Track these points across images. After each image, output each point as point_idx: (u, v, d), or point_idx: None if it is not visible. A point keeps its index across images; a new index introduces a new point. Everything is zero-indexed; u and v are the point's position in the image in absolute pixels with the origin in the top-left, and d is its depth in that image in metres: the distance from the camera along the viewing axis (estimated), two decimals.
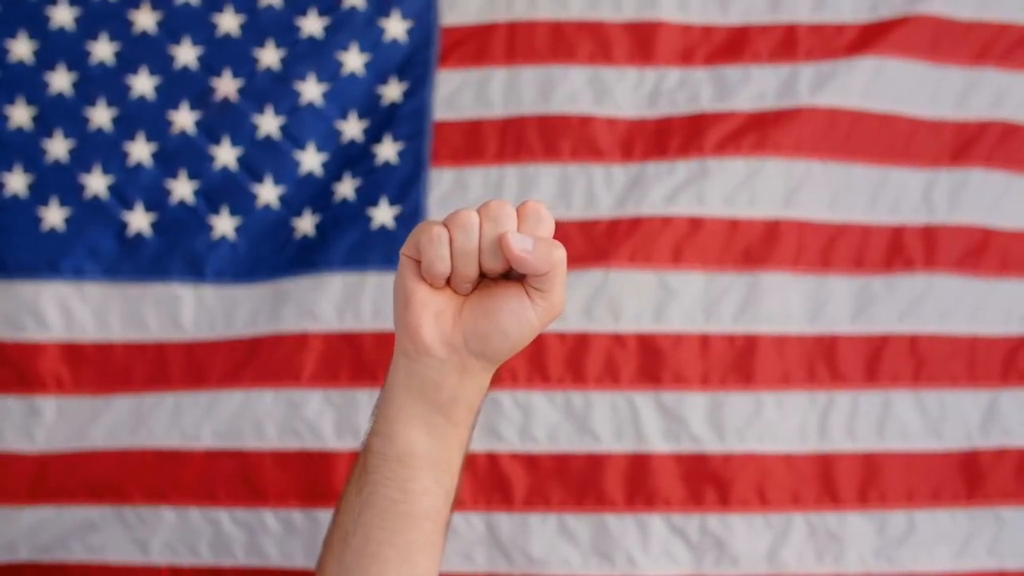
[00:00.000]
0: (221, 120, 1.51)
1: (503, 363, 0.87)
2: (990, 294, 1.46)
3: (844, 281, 1.45)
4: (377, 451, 0.88)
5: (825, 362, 1.44)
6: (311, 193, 1.50)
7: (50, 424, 1.46)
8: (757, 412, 1.42)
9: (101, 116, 1.51)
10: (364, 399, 1.44)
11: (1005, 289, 1.46)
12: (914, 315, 1.44)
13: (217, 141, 1.51)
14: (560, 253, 0.82)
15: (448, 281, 0.84)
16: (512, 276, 0.85)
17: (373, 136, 1.51)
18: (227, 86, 1.52)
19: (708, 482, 1.41)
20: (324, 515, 1.42)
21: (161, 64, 1.52)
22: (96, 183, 1.50)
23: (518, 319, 0.83)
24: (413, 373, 0.84)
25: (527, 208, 0.82)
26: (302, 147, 1.51)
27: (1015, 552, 1.41)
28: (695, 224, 1.46)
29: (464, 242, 0.81)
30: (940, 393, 1.43)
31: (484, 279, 0.85)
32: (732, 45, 1.51)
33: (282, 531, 1.43)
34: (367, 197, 1.49)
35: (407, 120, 1.51)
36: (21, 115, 1.51)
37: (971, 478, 1.42)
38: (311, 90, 1.52)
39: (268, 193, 1.50)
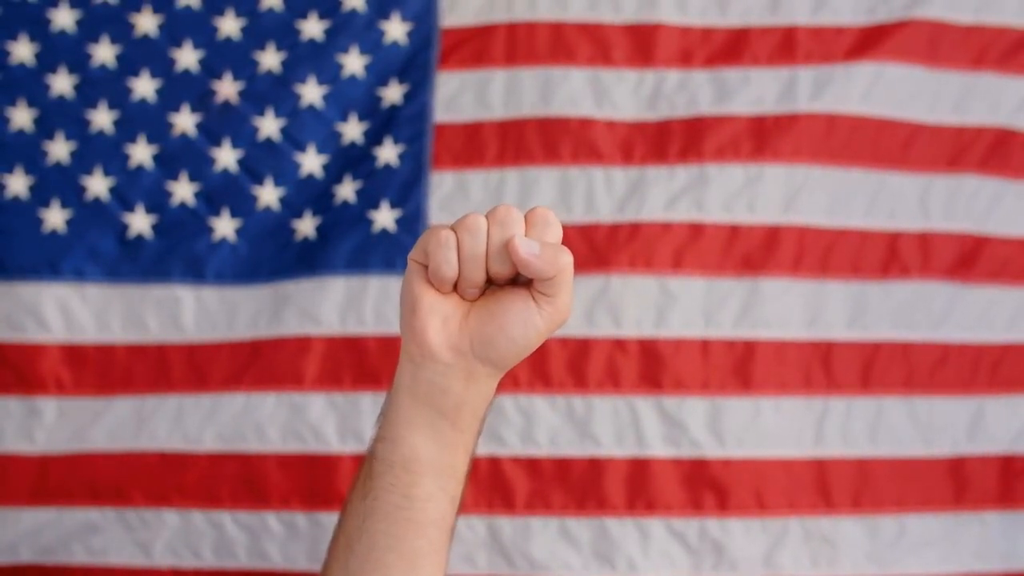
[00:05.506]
0: (222, 122, 1.51)
1: (509, 369, 0.87)
2: (979, 301, 1.48)
3: (841, 287, 1.47)
4: (382, 457, 0.88)
5: (822, 368, 1.46)
6: (311, 195, 1.51)
7: (50, 425, 1.47)
8: (755, 418, 1.44)
9: (102, 118, 1.51)
10: (367, 403, 1.45)
11: (993, 296, 1.48)
12: (907, 322, 1.47)
13: (218, 143, 1.51)
14: (567, 258, 0.82)
15: (455, 286, 0.84)
16: (519, 282, 0.85)
17: (373, 138, 1.52)
18: (228, 88, 1.52)
19: (707, 487, 1.43)
20: (327, 518, 1.43)
21: (162, 67, 1.52)
22: (97, 185, 1.50)
23: (524, 324, 0.83)
24: (418, 378, 0.85)
25: (535, 214, 0.83)
26: (302, 149, 1.51)
27: (999, 554, 1.45)
28: (695, 230, 1.47)
29: (472, 246, 0.82)
30: (930, 400, 1.46)
31: (491, 285, 0.85)
32: (731, 47, 1.52)
33: (285, 534, 1.44)
34: (368, 200, 1.50)
35: (408, 122, 1.51)
36: (22, 117, 1.50)
37: (957, 484, 1.45)
38: (311, 92, 1.52)
39: (268, 195, 1.50)
